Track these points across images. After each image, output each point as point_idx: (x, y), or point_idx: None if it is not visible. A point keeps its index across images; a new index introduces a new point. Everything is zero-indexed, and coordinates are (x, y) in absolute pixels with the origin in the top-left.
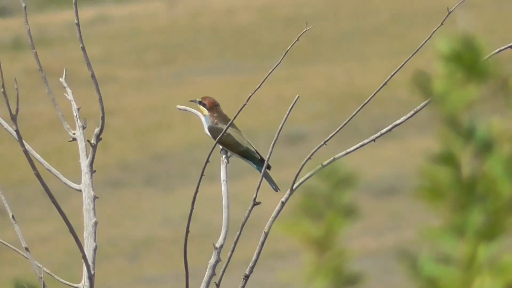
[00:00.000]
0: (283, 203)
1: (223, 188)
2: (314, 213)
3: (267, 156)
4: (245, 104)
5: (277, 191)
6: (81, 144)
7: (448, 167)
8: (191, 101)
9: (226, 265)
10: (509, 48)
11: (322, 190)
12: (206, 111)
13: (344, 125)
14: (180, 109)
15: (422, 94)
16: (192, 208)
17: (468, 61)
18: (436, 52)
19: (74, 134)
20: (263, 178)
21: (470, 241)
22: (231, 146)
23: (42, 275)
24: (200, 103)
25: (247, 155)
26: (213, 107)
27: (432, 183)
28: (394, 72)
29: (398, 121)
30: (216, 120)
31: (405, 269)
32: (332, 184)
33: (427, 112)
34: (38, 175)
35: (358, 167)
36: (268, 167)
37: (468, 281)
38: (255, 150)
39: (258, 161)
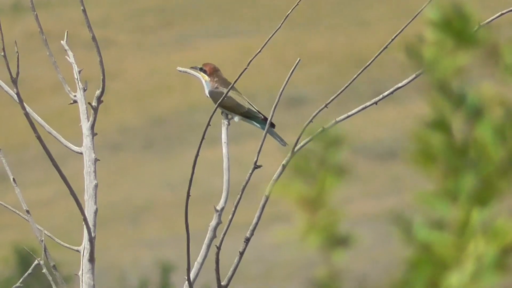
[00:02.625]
0: (284, 166)
1: (224, 150)
2: (307, 174)
3: (270, 115)
4: (245, 68)
5: (284, 146)
6: (82, 106)
7: (440, 132)
8: (192, 67)
9: (227, 227)
10: (500, 15)
11: (315, 151)
12: (206, 77)
13: (345, 88)
14: (180, 71)
15: (413, 61)
16: (193, 171)
17: (457, 28)
18: (426, 19)
19: (75, 96)
20: (269, 137)
21: (463, 206)
22: (232, 108)
23: (43, 238)
24: (201, 69)
25: (250, 115)
26: (213, 72)
27: (425, 148)
28: (394, 36)
29: (400, 84)
30: (216, 85)
31: (399, 234)
32: (324, 144)
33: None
34: (39, 138)
35: (358, 130)
36: (273, 125)
37: (461, 246)
38: (257, 110)
39: (261, 121)
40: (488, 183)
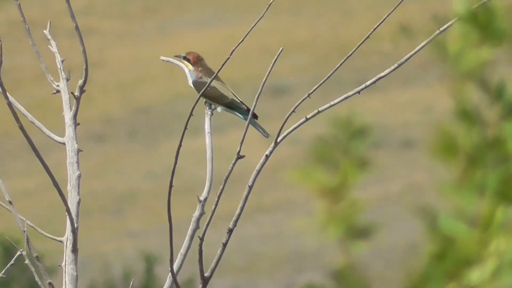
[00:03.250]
0: (267, 156)
1: (207, 140)
2: (329, 163)
3: (253, 105)
4: (228, 57)
5: (267, 137)
6: (65, 96)
7: (467, 125)
8: (176, 56)
9: (210, 218)
10: None
11: (338, 140)
12: (190, 66)
13: (327, 78)
14: (163, 60)
15: (438, 53)
16: (176, 161)
17: (483, 22)
18: (452, 12)
19: (58, 86)
20: (252, 128)
21: (488, 201)
22: (216, 98)
23: (25, 229)
24: (184, 58)
25: (233, 106)
26: (197, 61)
27: (448, 139)
28: (377, 25)
29: (382, 74)
30: (200, 74)
31: (424, 225)
32: (348, 134)
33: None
34: (21, 128)
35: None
36: (255, 116)
37: (484, 242)
38: (241, 101)
39: (244, 111)
40: None
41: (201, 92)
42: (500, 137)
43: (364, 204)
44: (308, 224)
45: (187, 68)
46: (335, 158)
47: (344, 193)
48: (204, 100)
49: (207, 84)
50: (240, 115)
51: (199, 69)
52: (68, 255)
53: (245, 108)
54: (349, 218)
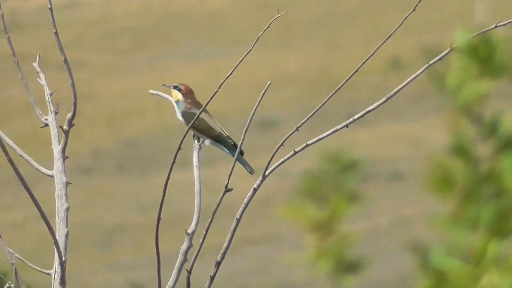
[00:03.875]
0: (255, 190)
1: (196, 173)
2: (319, 197)
3: (240, 141)
4: (217, 91)
5: (252, 174)
6: (54, 129)
7: (462, 159)
8: (164, 85)
9: (198, 251)
10: None
11: (328, 174)
12: (180, 96)
13: (316, 111)
14: (152, 93)
15: (436, 86)
16: (164, 194)
17: (483, 55)
18: (453, 44)
19: (46, 119)
20: (238, 163)
21: (481, 235)
22: (204, 131)
23: (14, 261)
24: (175, 87)
25: (220, 140)
26: (188, 93)
27: (443, 173)
28: (366, 58)
29: (371, 107)
30: (189, 106)
31: (415, 260)
32: (338, 168)
33: (400, 98)
34: (10, 161)
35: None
36: (241, 152)
37: (477, 276)
38: (228, 135)
39: (231, 146)
40: (508, 215)
41: (191, 123)
42: (493, 171)
43: (354, 238)
44: (298, 258)
45: (176, 99)
46: (325, 192)
47: (334, 227)
48: (193, 133)
49: (197, 115)
50: (226, 150)
51: (188, 100)
52: (56, 287)
53: (232, 142)
54: (339, 252)
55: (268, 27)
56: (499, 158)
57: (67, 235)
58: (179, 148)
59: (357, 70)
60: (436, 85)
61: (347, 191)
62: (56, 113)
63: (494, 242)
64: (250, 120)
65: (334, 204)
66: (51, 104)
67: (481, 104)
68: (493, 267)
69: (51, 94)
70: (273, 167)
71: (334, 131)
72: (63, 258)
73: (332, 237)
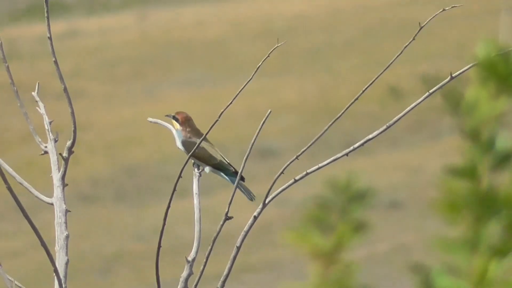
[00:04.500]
0: (255, 218)
1: (195, 201)
2: (325, 225)
3: (241, 168)
4: (217, 120)
5: (252, 201)
6: (53, 157)
7: (467, 180)
8: (166, 115)
9: (199, 278)
10: None
11: (335, 202)
12: (177, 125)
13: (316, 140)
14: (151, 121)
15: (451, 105)
16: (164, 222)
17: (502, 72)
18: (474, 56)
19: (45, 147)
20: (238, 190)
21: (483, 255)
22: (204, 159)
23: None
24: (173, 117)
25: (221, 167)
26: (185, 121)
27: (450, 196)
28: (365, 87)
29: (370, 136)
30: (189, 135)
31: (416, 281)
32: (346, 197)
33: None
34: (9, 189)
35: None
36: (242, 178)
37: None
38: (228, 163)
39: (232, 173)
40: (510, 235)
41: (191, 152)
42: (492, 190)
43: (358, 267)
44: (299, 287)
45: (175, 128)
46: (331, 220)
47: (338, 256)
48: (193, 161)
49: (197, 145)
50: (226, 177)
51: (187, 129)
52: None
53: (233, 170)
54: (343, 281)
55: (268, 56)
56: (495, 176)
57: (67, 263)
58: (180, 176)
59: (356, 99)
60: (449, 106)
61: (353, 220)
62: (55, 141)
63: (494, 262)
64: (251, 149)
65: (340, 232)
66: (50, 132)
67: (495, 123)
68: (494, 286)
69: (50, 123)
70: (273, 195)
71: (334, 160)
72: (63, 286)
73: (335, 266)
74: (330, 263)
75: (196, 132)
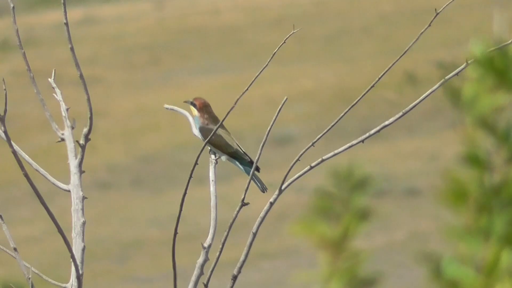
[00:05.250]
0: (271, 204)
1: (212, 188)
2: (331, 215)
3: (256, 158)
4: (233, 106)
5: (264, 192)
6: (70, 144)
7: (476, 169)
8: (184, 101)
9: (215, 265)
10: None
11: (339, 192)
12: (195, 111)
13: (332, 127)
14: (167, 108)
15: (451, 99)
16: (181, 209)
17: (499, 67)
18: (469, 56)
19: (62, 134)
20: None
21: (493, 245)
22: (220, 147)
23: (30, 276)
24: (191, 103)
25: (236, 156)
26: (203, 107)
27: (457, 186)
28: (382, 73)
29: (387, 122)
30: (206, 121)
31: (426, 269)
32: (349, 185)
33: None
34: (26, 176)
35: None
36: (257, 169)
37: (489, 286)
38: (244, 152)
39: (247, 163)
40: None
41: (207, 139)
42: (506, 181)
43: (367, 255)
44: (310, 276)
45: (192, 115)
46: (336, 209)
47: (346, 244)
48: (209, 148)
49: (213, 131)
50: (241, 166)
51: (205, 116)
52: None
53: (248, 159)
54: (352, 269)
55: (284, 42)
56: (510, 168)
57: (83, 249)
58: (196, 163)
59: (373, 86)
60: (452, 98)
61: (358, 208)
62: (72, 128)
63: (506, 252)
64: (267, 136)
65: (345, 221)
66: (67, 119)
67: (496, 116)
68: (506, 276)
69: (67, 109)
70: (289, 181)
71: (350, 146)
72: (80, 272)
73: (344, 254)
74: (338, 252)
75: (214, 119)
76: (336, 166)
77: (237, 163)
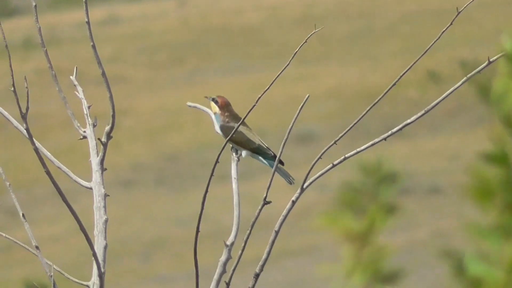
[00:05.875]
0: (293, 202)
1: (234, 185)
2: (357, 208)
3: (279, 152)
4: (254, 104)
5: (291, 184)
6: (92, 142)
7: (502, 167)
8: (205, 97)
9: (237, 263)
10: None
11: (366, 185)
12: (217, 109)
13: (354, 125)
14: (190, 106)
15: (479, 94)
16: (202, 207)
17: None
18: (500, 49)
19: (84, 132)
20: (277, 174)
21: None
22: (243, 143)
23: (52, 274)
24: (213, 100)
25: (259, 151)
26: (224, 106)
27: (483, 183)
28: (403, 72)
29: (409, 120)
30: (227, 119)
31: (449, 267)
32: (376, 180)
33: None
34: (48, 173)
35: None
36: (281, 162)
37: (511, 283)
38: (267, 147)
39: (270, 157)
40: None
41: (229, 136)
42: None
43: (391, 250)
44: (334, 270)
45: (213, 111)
46: (362, 203)
47: (370, 239)
48: (231, 145)
49: (235, 128)
50: (265, 161)
51: (226, 114)
52: None
53: (272, 154)
54: (376, 264)
55: (306, 41)
56: None
57: (105, 247)
58: (217, 161)
59: (394, 84)
60: (480, 94)
61: (384, 203)
62: (94, 126)
63: None
64: (289, 133)
65: (371, 215)
66: (89, 117)
67: None
68: None
69: (89, 107)
70: (311, 179)
71: (372, 144)
72: (102, 270)
73: (368, 249)
74: (362, 245)
75: (235, 117)
76: (365, 160)
77: (261, 158)
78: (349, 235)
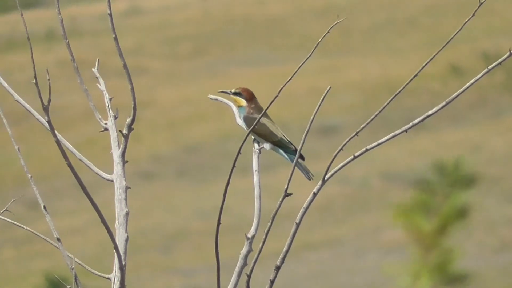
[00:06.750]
0: (315, 194)
1: (255, 178)
2: (429, 209)
3: (300, 146)
4: (276, 96)
5: (310, 180)
6: (113, 134)
7: None
8: (221, 91)
9: (258, 255)
10: None
11: (440, 186)
12: (243, 102)
13: (375, 116)
14: (211, 98)
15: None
16: (224, 200)
17: None
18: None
19: (106, 124)
20: (297, 168)
21: None
22: (265, 136)
23: (73, 266)
24: (237, 94)
25: (281, 145)
26: (252, 98)
27: None
28: (425, 63)
29: (430, 112)
30: (252, 111)
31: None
32: (452, 181)
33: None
34: (70, 166)
35: (390, 158)
36: (302, 157)
37: None
38: (289, 141)
39: (291, 151)
40: None
41: (251, 127)
42: None
43: (459, 253)
44: (398, 270)
45: (238, 104)
46: (435, 204)
47: (440, 240)
48: (253, 137)
49: (257, 120)
50: (285, 155)
51: (252, 106)
52: None
53: (293, 148)
54: (443, 265)
55: (328, 32)
56: None
57: (127, 240)
58: (239, 152)
59: (416, 75)
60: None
61: (457, 204)
62: (115, 118)
63: None
64: (310, 125)
65: (443, 216)
66: (110, 109)
67: None
68: None
69: (110, 99)
70: (332, 171)
71: (393, 136)
72: (123, 263)
73: (436, 250)
74: (431, 246)
75: (259, 109)
76: (442, 158)
77: (281, 151)
78: (420, 235)
